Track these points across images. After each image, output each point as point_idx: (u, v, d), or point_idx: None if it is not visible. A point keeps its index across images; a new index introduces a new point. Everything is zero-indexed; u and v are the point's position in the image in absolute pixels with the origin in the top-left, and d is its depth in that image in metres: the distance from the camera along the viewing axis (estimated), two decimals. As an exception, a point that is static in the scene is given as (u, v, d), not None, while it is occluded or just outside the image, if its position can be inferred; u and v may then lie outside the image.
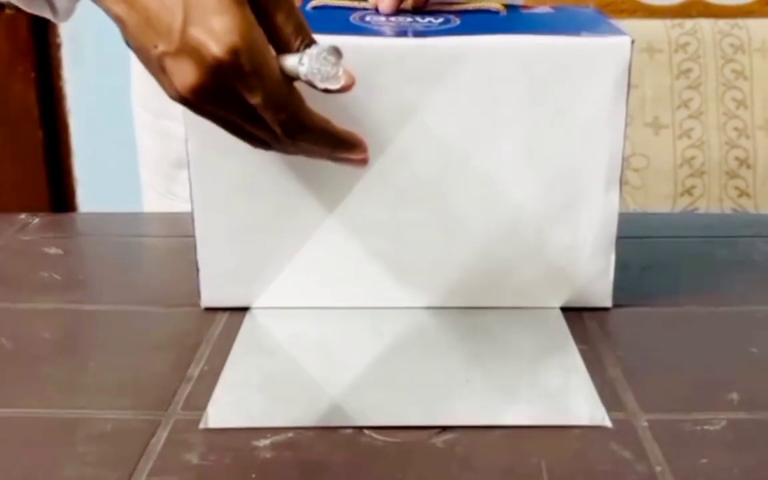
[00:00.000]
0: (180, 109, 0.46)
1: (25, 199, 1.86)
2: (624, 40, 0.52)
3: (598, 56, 0.52)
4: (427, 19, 0.59)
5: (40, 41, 1.82)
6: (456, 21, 0.58)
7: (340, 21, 0.58)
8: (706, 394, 0.48)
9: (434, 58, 0.52)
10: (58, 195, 1.91)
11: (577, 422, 0.46)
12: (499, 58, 0.52)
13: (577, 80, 0.53)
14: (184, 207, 0.85)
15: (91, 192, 1.89)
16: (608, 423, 0.45)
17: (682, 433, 0.44)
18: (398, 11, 0.59)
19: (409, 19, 0.59)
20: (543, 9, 0.64)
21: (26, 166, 1.87)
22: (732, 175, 1.50)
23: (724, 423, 0.45)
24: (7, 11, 1.79)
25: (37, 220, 0.73)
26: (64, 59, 1.83)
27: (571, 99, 0.53)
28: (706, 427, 0.45)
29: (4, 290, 0.61)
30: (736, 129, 1.50)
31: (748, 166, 1.50)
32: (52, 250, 0.67)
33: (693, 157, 1.49)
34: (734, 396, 0.48)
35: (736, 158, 1.50)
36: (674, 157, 1.49)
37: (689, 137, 1.49)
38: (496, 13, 0.61)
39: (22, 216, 0.74)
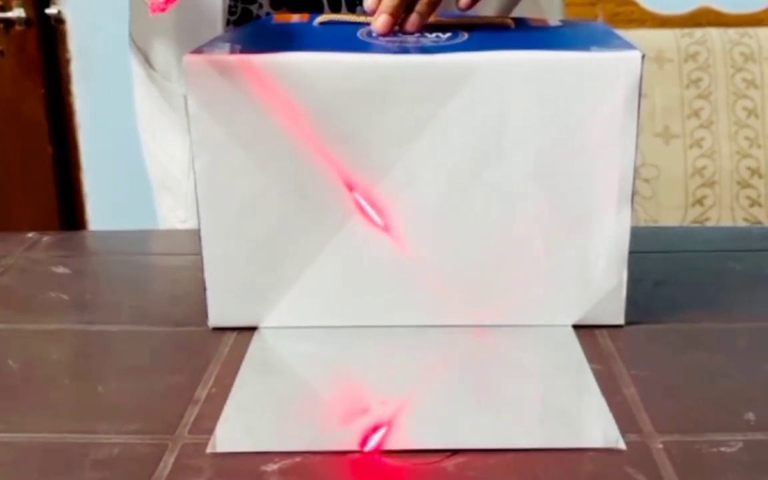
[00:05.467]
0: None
1: (34, 213, 1.87)
2: (635, 55, 0.52)
3: (609, 71, 0.52)
4: (435, 34, 0.58)
5: (50, 57, 1.83)
6: (464, 36, 0.57)
7: (348, 38, 0.57)
8: (722, 414, 0.47)
9: (443, 75, 0.52)
10: (68, 210, 1.91)
11: (590, 444, 0.45)
12: (509, 73, 0.52)
13: (588, 95, 0.52)
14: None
15: (100, 207, 1.90)
16: (622, 445, 0.44)
17: (698, 455, 0.44)
18: (398, 31, 0.59)
19: (417, 35, 0.58)
20: (552, 22, 0.64)
21: (36, 181, 1.88)
22: (743, 184, 1.49)
23: (740, 444, 0.44)
24: (17, 27, 1.80)
25: (45, 238, 0.73)
26: (73, 75, 1.83)
27: (582, 114, 0.52)
28: (722, 448, 0.44)
29: (11, 310, 0.61)
30: (747, 138, 1.49)
31: (760, 176, 1.49)
32: (60, 270, 0.67)
33: (704, 167, 1.48)
34: (751, 416, 0.47)
35: (748, 168, 1.49)
36: (685, 167, 1.48)
37: (700, 147, 1.49)
38: (505, 27, 0.61)
39: (30, 234, 0.73)
